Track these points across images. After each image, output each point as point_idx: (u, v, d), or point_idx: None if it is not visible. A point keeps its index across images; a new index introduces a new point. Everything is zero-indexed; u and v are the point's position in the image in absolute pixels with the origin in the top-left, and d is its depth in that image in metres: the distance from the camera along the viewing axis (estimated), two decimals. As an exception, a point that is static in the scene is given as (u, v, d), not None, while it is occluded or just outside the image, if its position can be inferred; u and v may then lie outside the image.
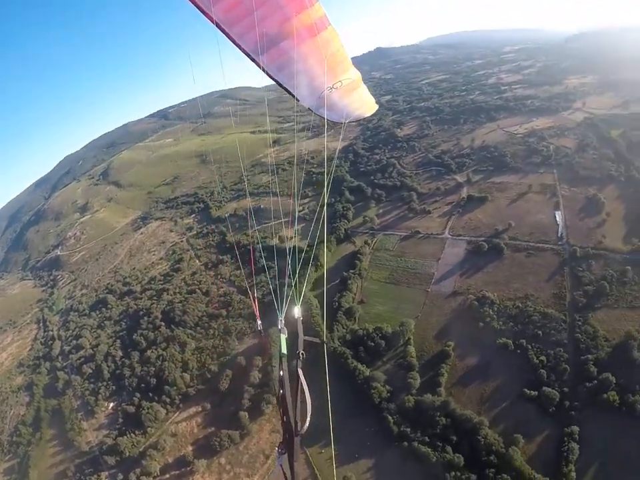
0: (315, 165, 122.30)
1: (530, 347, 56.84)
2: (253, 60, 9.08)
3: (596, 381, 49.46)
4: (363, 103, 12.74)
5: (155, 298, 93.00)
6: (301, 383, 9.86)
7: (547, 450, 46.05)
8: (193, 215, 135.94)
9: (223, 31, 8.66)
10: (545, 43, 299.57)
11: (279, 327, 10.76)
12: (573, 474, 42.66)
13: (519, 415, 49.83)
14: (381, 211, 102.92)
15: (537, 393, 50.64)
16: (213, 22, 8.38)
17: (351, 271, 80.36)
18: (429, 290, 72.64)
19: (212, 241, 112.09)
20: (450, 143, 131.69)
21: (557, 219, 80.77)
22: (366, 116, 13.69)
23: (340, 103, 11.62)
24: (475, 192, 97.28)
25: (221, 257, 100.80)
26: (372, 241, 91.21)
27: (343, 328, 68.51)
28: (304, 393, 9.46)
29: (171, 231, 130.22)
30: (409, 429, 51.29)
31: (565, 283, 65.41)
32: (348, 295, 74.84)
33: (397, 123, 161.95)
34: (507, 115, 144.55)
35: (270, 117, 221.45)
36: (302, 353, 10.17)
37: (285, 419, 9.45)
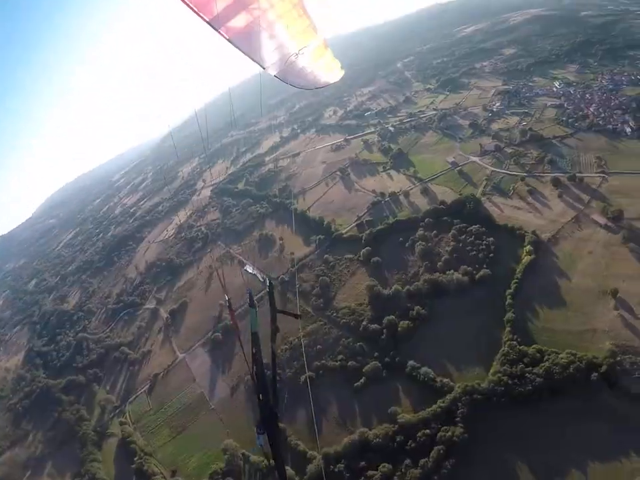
0: None
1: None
2: (215, 29, 8.77)
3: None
4: (329, 69, 13.16)
5: None
6: (276, 360, 10.10)
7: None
8: None
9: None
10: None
11: (249, 301, 10.64)
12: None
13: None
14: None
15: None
16: None
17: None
18: (212, 406, 71.64)
19: None
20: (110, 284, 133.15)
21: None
22: (333, 82, 14.07)
23: (307, 69, 11.78)
24: (173, 304, 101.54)
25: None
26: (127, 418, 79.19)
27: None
28: (276, 370, 9.78)
29: None
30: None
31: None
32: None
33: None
34: (150, 229, 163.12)
35: None
36: (276, 328, 10.39)
37: (261, 398, 9.51)
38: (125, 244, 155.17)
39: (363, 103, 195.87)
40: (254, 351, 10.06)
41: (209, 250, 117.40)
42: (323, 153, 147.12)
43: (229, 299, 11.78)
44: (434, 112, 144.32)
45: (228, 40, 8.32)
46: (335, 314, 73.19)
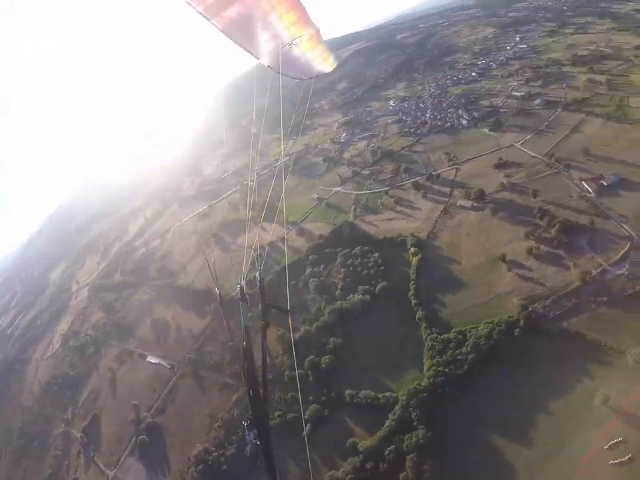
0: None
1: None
2: (208, 20, 10.00)
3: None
4: (323, 59, 14.95)
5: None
6: (266, 355, 11.76)
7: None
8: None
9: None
10: None
11: (239, 295, 12.27)
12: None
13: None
14: None
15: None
16: None
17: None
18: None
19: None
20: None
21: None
22: (326, 72, 16.27)
23: (301, 59, 13.64)
24: (83, 420, 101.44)
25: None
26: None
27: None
28: (266, 365, 11.33)
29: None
30: None
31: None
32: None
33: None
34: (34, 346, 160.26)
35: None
36: (267, 323, 11.96)
37: (251, 393, 11.00)
38: (11, 370, 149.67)
39: (218, 165, 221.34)
40: (244, 345, 11.42)
41: (103, 353, 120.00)
42: (192, 223, 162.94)
43: (219, 292, 14.71)
44: (287, 157, 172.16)
45: (221, 30, 9.73)
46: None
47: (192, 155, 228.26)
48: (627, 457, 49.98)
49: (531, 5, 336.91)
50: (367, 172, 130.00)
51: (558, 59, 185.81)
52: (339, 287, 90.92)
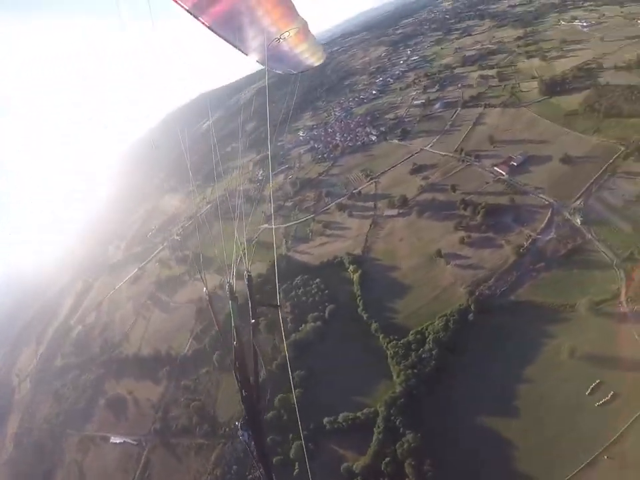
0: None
1: None
2: (195, 17, 10.82)
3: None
4: (312, 53, 16.18)
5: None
6: (258, 355, 12.25)
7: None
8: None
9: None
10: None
11: (229, 294, 12.87)
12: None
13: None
14: None
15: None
16: None
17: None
18: None
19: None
20: None
21: None
22: (315, 65, 17.54)
23: (290, 53, 14.74)
24: None
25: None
26: None
27: None
28: (258, 365, 11.89)
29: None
30: None
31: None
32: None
33: None
34: None
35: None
36: (257, 322, 12.62)
37: (243, 394, 11.68)
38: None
39: (141, 226, 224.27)
40: (235, 345, 12.03)
41: (63, 445, 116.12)
42: (125, 290, 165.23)
43: (209, 295, 15.22)
44: (209, 205, 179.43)
45: (208, 27, 10.77)
46: (226, 429, 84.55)
47: (113, 221, 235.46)
48: (610, 394, 58.82)
49: (416, 20, 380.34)
50: (291, 203, 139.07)
51: (449, 63, 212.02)
52: (289, 320, 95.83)
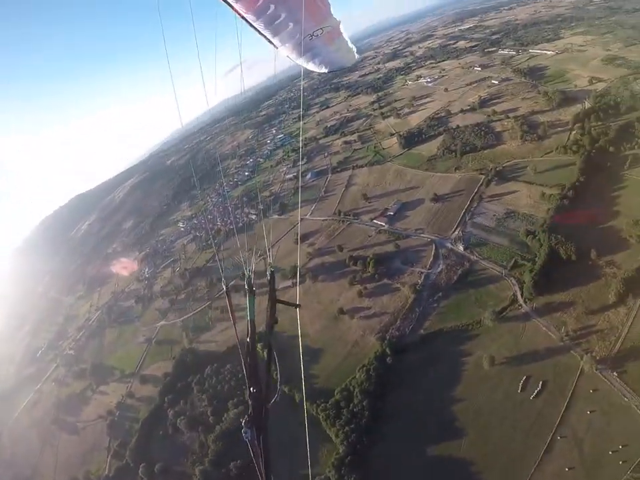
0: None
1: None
2: (230, 6, 10.78)
3: None
4: (345, 53, 15.50)
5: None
6: (273, 353, 12.05)
7: None
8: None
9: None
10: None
11: (247, 288, 12.44)
12: None
13: None
14: None
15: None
16: None
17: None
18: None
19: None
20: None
21: None
22: (347, 66, 16.51)
23: (322, 51, 14.28)
24: None
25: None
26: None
27: None
28: (271, 363, 11.64)
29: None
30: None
31: None
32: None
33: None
34: None
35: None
36: (275, 319, 12.44)
37: (252, 390, 11.46)
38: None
39: (31, 341, 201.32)
40: (249, 340, 11.96)
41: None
42: (24, 418, 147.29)
43: (227, 285, 14.66)
44: (97, 312, 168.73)
45: (242, 17, 11.04)
46: None
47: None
48: (540, 384, 65.53)
49: (277, 100, 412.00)
50: (184, 296, 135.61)
51: (313, 135, 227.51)
52: (209, 412, 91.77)
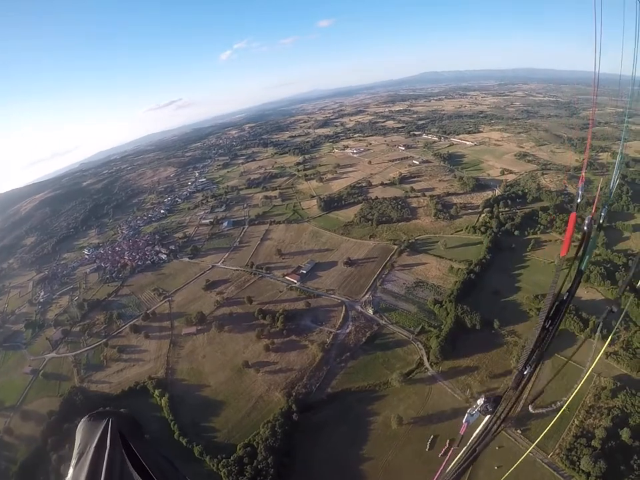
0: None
1: None
2: None
3: None
4: None
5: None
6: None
7: None
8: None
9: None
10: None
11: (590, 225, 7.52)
12: None
13: None
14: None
15: None
16: None
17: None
18: None
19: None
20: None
21: None
22: None
23: None
24: None
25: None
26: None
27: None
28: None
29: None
30: None
31: None
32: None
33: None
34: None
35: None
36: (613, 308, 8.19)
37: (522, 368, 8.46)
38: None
39: None
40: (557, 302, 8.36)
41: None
42: None
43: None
44: None
45: None
46: None
47: None
48: (447, 442, 68.34)
49: (205, 144, 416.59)
50: (79, 328, 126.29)
51: (235, 185, 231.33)
52: None
